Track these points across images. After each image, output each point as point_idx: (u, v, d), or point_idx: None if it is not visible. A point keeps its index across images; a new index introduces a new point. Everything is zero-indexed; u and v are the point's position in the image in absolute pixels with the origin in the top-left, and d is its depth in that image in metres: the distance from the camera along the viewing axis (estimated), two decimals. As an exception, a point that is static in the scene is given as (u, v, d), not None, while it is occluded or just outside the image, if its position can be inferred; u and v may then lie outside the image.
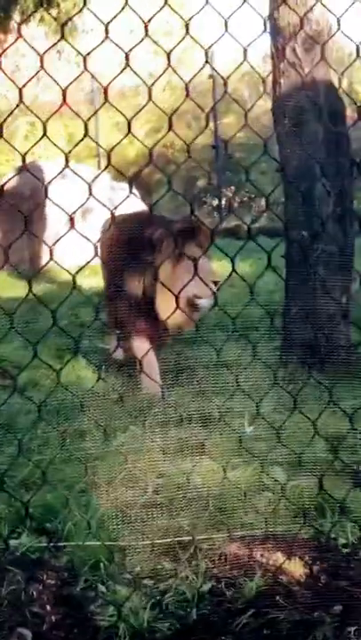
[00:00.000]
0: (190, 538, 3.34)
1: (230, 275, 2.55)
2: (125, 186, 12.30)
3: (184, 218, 5.75)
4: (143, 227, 5.68)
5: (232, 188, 18.62)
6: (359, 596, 3.09)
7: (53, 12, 14.81)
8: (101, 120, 18.38)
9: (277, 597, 3.08)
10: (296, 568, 3.26)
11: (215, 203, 18.14)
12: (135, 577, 3.21)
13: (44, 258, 10.18)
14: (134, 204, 8.34)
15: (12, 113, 2.85)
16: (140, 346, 5.63)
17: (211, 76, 16.68)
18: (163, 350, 5.82)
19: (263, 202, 17.87)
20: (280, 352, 5.93)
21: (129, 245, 5.75)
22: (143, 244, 5.61)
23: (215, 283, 5.19)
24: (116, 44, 2.26)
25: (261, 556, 3.36)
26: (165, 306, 5.30)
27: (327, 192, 6.15)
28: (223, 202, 17.92)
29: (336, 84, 6.17)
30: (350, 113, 8.15)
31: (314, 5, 5.06)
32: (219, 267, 5.55)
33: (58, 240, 2.56)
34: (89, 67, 2.36)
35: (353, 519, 3.46)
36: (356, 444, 3.89)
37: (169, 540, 3.43)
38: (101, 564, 3.28)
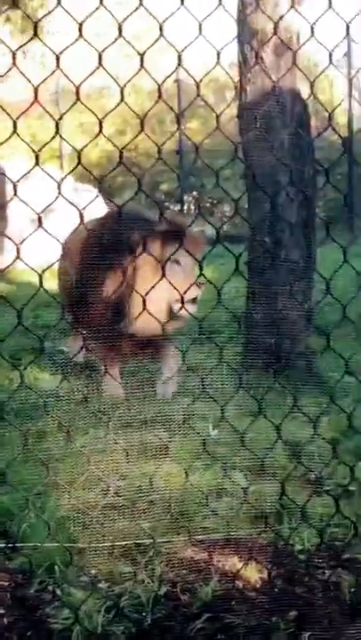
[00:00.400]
0: (150, 541, 3.33)
1: (198, 277, 2.56)
2: (89, 187, 12.29)
3: (166, 218, 5.59)
4: (124, 227, 5.52)
5: (195, 193, 18.68)
6: (315, 602, 3.11)
7: (19, 11, 14.75)
8: (64, 121, 18.29)
9: (233, 602, 3.09)
10: (253, 573, 3.26)
11: (178, 208, 18.17)
12: (92, 579, 3.19)
13: (7, 258, 10.11)
14: (100, 207, 8.31)
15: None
16: (104, 349, 5.57)
17: (176, 81, 16.71)
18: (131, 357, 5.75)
19: (226, 207, 17.94)
20: (243, 357, 5.95)
21: (108, 247, 5.62)
22: (124, 245, 5.49)
23: (199, 285, 5.08)
24: (90, 44, 2.26)
25: (219, 560, 3.37)
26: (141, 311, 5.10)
27: (291, 199, 6.19)
28: (185, 207, 17.96)
29: (302, 93, 6.21)
30: (315, 122, 8.22)
31: (285, 14, 5.07)
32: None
33: (25, 239, 2.54)
34: (55, 68, 2.35)
35: (311, 525, 3.47)
36: (317, 450, 3.91)
37: (128, 542, 3.42)
38: (56, 567, 3.26)
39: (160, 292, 3.76)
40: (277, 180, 6.21)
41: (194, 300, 5.18)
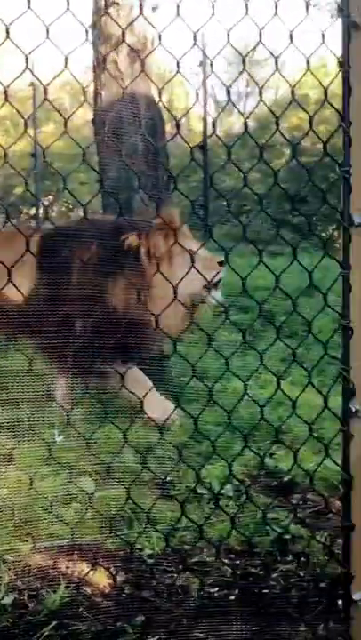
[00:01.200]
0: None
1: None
2: None
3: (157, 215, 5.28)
4: (105, 235, 5.14)
5: (50, 197, 18.49)
6: (161, 606, 3.13)
7: None
8: None
9: (81, 608, 3.08)
10: (102, 579, 3.26)
11: (33, 211, 17.95)
12: None
13: None
14: None
15: None
16: None
17: (32, 84, 16.52)
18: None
19: (82, 212, 17.85)
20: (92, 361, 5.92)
21: (102, 256, 5.13)
22: (114, 253, 5.07)
23: (220, 264, 4.86)
24: None
25: (68, 567, 3.35)
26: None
27: (145, 204, 6.24)
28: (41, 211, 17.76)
29: (156, 99, 6.28)
30: (170, 128, 8.29)
31: (133, 21, 5.10)
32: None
33: None
34: None
35: (156, 530, 3.50)
36: (164, 455, 3.94)
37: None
38: None
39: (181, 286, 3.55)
40: (132, 184, 6.25)
41: (216, 285, 5.04)
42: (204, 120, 7.72)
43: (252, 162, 2.55)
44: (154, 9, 5.82)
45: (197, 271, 2.82)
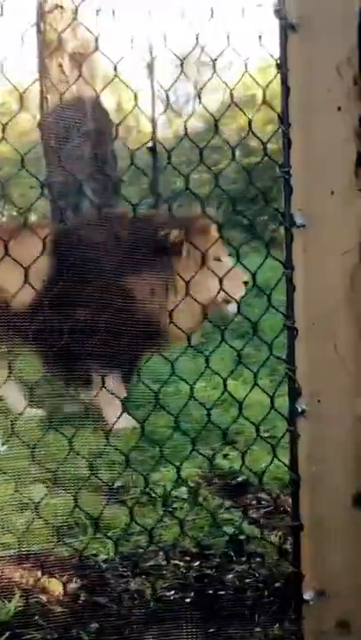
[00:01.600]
0: None
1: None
2: None
3: (196, 215, 5.06)
4: (148, 228, 5.14)
5: None
6: (116, 612, 3.12)
7: None
8: None
9: (36, 617, 3.06)
10: (57, 586, 3.25)
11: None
12: None
13: None
14: None
15: None
16: None
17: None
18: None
19: (33, 217, 17.76)
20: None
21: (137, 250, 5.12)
22: (153, 247, 5.09)
23: (245, 283, 4.85)
24: None
25: (22, 576, 3.33)
26: (185, 314, 4.16)
27: (93, 207, 6.23)
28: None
29: (103, 103, 6.28)
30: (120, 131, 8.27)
31: (66, 28, 5.09)
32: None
33: None
34: None
35: (106, 535, 3.49)
36: (114, 460, 3.94)
37: None
38: None
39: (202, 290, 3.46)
40: (80, 188, 6.24)
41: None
42: (153, 122, 7.71)
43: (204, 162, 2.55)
44: (97, 12, 5.81)
45: (219, 280, 2.78)
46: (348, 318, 1.93)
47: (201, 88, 2.33)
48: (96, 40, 2.15)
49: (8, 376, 4.04)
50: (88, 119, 6.16)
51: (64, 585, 3.20)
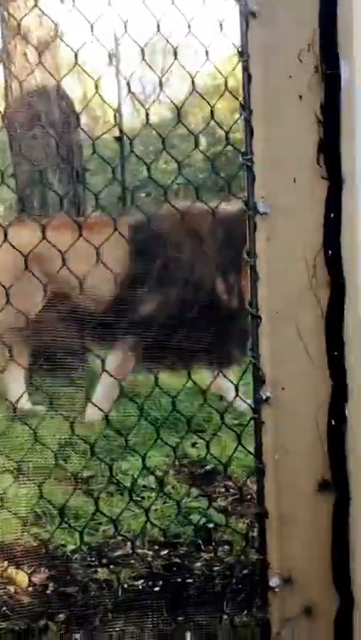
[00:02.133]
0: None
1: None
2: None
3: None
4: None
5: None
6: (84, 601, 3.13)
7: None
8: None
9: (3, 608, 3.06)
10: (25, 577, 3.24)
11: None
12: None
13: None
14: None
15: None
16: None
17: None
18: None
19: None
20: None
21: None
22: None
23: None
24: None
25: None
26: None
27: (60, 198, 6.20)
28: None
29: (68, 92, 6.24)
30: (87, 121, 8.25)
31: (27, 13, 5.04)
32: None
33: None
34: None
35: (70, 525, 3.48)
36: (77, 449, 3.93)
37: None
38: None
39: None
40: (45, 178, 6.21)
41: None
42: (119, 111, 7.69)
43: (173, 151, 2.55)
44: (63, 1, 5.76)
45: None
46: (311, 306, 1.93)
47: (162, 77, 2.32)
48: (56, 27, 2.12)
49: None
50: (53, 108, 6.13)
51: (29, 576, 3.20)
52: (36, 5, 2.24)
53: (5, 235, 2.26)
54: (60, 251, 2.23)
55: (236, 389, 2.36)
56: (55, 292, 4.71)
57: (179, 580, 3.26)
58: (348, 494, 1.91)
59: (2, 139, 7.59)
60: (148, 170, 2.26)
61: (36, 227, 2.49)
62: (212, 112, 2.26)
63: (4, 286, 2.34)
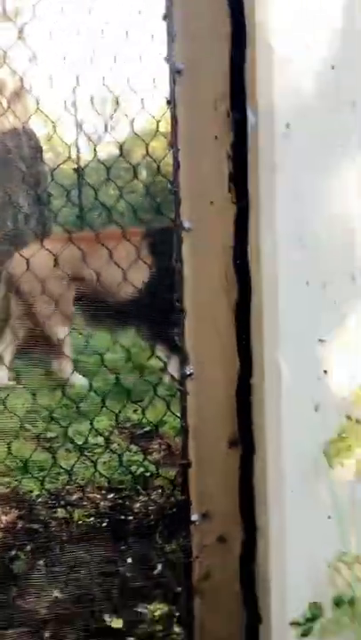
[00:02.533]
0: None
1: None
2: None
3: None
4: None
5: None
6: (46, 535, 3.11)
7: None
8: None
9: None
10: (-2, 517, 3.20)
11: None
12: None
13: None
14: None
15: None
16: None
17: None
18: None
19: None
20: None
21: None
22: None
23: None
24: None
25: None
26: None
27: (27, 217, 6.16)
28: None
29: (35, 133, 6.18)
30: (50, 155, 8.17)
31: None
32: None
33: None
34: None
35: (33, 476, 3.46)
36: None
37: None
38: None
39: None
40: (18, 202, 6.15)
41: None
42: (70, 147, 7.60)
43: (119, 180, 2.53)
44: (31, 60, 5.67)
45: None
46: (224, 303, 1.94)
47: (107, 123, 2.31)
48: (21, 81, 2.08)
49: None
50: (23, 146, 6.07)
51: (3, 515, 3.17)
52: (5, 63, 2.19)
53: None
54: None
55: (165, 366, 2.36)
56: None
57: (122, 517, 3.25)
58: (252, 449, 1.92)
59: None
60: (96, 195, 2.24)
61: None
62: (146, 149, 2.25)
63: None
